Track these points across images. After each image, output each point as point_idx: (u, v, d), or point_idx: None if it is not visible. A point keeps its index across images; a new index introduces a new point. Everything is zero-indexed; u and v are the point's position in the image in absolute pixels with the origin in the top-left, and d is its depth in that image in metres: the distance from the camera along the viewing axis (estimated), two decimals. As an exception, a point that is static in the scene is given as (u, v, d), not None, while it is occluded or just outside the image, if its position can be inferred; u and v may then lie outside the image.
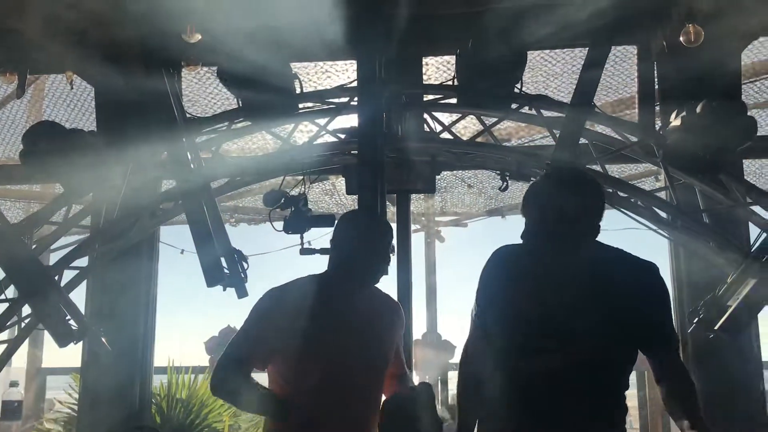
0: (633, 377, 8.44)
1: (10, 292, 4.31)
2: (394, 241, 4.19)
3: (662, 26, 4.17)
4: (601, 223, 2.32)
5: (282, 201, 3.88)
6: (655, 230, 4.13)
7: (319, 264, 4.00)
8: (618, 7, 4.00)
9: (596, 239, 2.34)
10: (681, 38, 3.99)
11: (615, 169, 6.15)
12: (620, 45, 4.88)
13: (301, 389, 2.41)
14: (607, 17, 4.00)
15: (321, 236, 4.16)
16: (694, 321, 3.81)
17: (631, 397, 10.69)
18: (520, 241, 2.35)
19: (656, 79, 4.59)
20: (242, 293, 4.00)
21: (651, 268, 2.31)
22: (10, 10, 4.02)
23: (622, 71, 5.40)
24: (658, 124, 4.46)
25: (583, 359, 2.17)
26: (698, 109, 3.59)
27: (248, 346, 2.49)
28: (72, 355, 4.62)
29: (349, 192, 4.51)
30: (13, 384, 3.98)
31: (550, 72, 5.30)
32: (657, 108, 4.68)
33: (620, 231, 7.03)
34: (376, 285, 2.71)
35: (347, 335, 2.47)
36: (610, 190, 4.11)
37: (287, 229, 3.90)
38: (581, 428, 2.18)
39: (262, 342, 2.46)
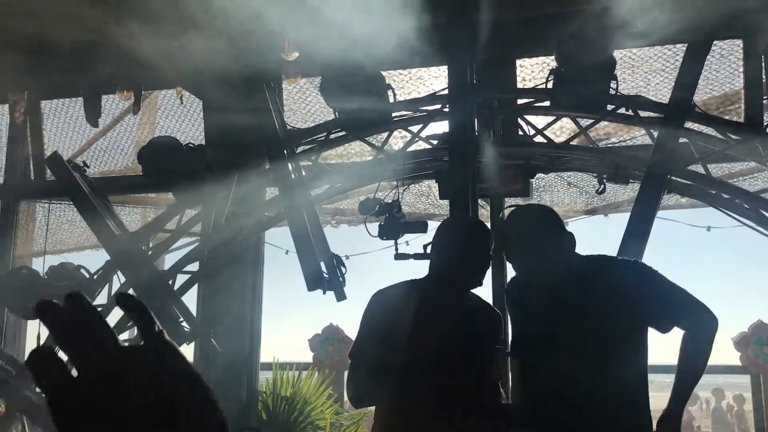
0: (747, 381, 8.06)
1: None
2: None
3: (768, 20, 3.98)
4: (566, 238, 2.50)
5: (377, 208, 4.00)
6: (761, 231, 3.97)
7: (417, 265, 4.13)
8: (721, 1, 3.87)
9: (574, 253, 2.49)
10: (788, 33, 3.80)
11: (724, 166, 5.90)
12: (724, 39, 4.69)
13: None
14: (709, 12, 3.88)
15: (416, 239, 4.29)
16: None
17: (749, 401, 10.19)
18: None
19: (764, 75, 4.38)
20: (341, 296, 4.16)
21: (629, 263, 2.50)
22: (125, 32, 4.34)
23: (727, 65, 5.18)
24: (767, 121, 4.26)
25: (592, 361, 2.26)
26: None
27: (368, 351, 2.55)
28: (184, 351, 4.92)
29: (442, 197, 4.58)
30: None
31: (651, 68, 5.15)
32: (765, 102, 4.48)
33: (732, 229, 6.77)
34: (474, 291, 2.74)
35: (437, 339, 2.52)
36: (713, 192, 3.99)
37: (382, 235, 4.00)
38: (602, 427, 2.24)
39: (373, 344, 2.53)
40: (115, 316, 4.59)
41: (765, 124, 4.10)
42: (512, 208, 2.78)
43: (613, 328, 2.29)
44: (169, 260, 5.39)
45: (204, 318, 4.73)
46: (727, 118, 5.34)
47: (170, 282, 4.44)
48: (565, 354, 2.29)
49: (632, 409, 2.32)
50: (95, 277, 4.43)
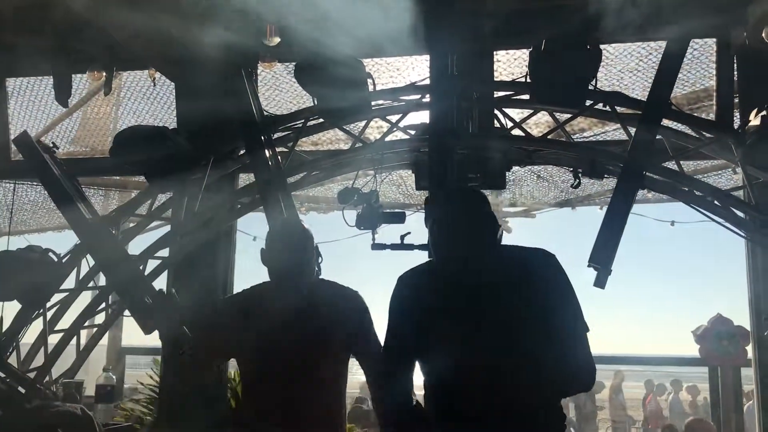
0: (701, 372, 8.26)
1: (99, 279, 4.59)
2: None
3: (743, 21, 4.05)
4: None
5: (355, 198, 3.98)
6: (731, 229, 4.05)
7: (393, 255, 4.12)
8: (697, 1, 3.94)
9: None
10: (763, 34, 3.87)
11: (690, 163, 6.01)
12: (699, 38, 4.77)
13: None
14: (686, 11, 3.94)
15: (387, 228, 4.27)
16: (770, 324, 3.74)
17: (704, 392, 10.44)
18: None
19: (736, 74, 4.46)
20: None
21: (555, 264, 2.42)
22: (97, 10, 4.21)
23: (698, 64, 5.27)
24: (737, 120, 4.35)
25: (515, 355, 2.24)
26: (779, 109, 3.51)
27: None
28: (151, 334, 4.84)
29: (418, 188, 4.58)
30: (106, 369, 4.23)
31: (625, 67, 5.22)
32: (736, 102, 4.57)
33: (695, 224, 6.93)
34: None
35: None
36: (686, 189, 4.06)
37: (359, 225, 3.99)
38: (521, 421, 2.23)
39: None
40: (82, 301, 4.51)
41: (737, 124, 4.18)
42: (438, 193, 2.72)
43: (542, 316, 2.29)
44: (139, 244, 5.29)
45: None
46: (696, 115, 5.46)
47: (140, 267, 4.35)
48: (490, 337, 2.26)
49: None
50: (64, 260, 4.32)
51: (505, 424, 2.19)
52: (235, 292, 2.93)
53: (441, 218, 2.45)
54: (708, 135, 4.11)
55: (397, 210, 4.16)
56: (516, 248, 2.50)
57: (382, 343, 2.60)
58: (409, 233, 4.03)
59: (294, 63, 4.39)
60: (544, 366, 2.25)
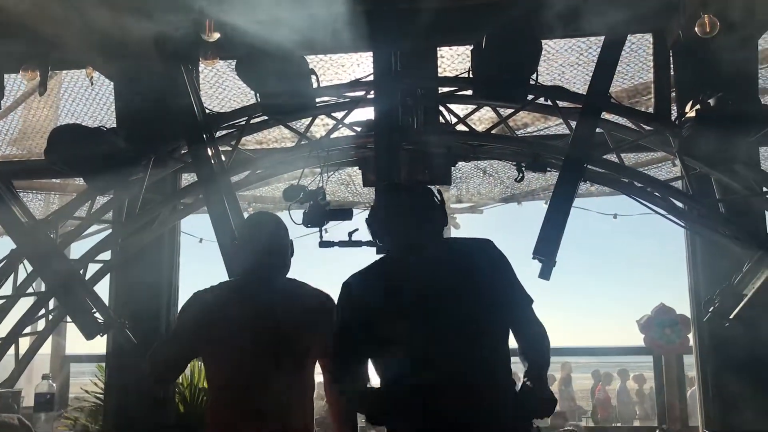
0: (647, 361, 8.39)
1: (37, 285, 4.44)
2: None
3: (677, 15, 4.15)
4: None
5: (301, 195, 3.94)
6: (671, 219, 4.15)
7: (339, 254, 4.10)
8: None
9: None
10: (696, 29, 3.97)
11: (631, 156, 6.14)
12: (636, 33, 4.87)
13: None
14: (623, 6, 4.01)
15: (335, 226, 4.24)
16: (710, 310, 3.84)
17: (649, 380, 10.66)
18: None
19: (672, 68, 4.57)
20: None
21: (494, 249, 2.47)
22: (31, 7, 4.08)
23: (638, 57, 5.38)
24: (674, 113, 4.46)
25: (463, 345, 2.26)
26: (713, 102, 3.59)
27: None
28: (95, 341, 4.72)
29: (365, 184, 4.57)
30: (45, 377, 4.09)
31: (565, 62, 5.30)
32: (673, 95, 4.68)
33: (637, 216, 7.09)
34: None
35: None
36: (626, 180, 4.14)
37: (306, 223, 3.95)
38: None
39: None
40: (20, 308, 4.35)
41: (674, 116, 4.28)
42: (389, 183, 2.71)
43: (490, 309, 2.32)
44: (78, 249, 5.15)
45: (117, 309, 4.54)
46: (636, 108, 5.58)
47: (81, 271, 4.23)
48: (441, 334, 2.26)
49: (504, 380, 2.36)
50: (-1, 267, 4.17)
51: (468, 417, 2.18)
52: (203, 289, 2.82)
53: (384, 214, 2.44)
54: (647, 127, 4.20)
55: (344, 207, 4.13)
56: (457, 240, 2.53)
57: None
58: (356, 230, 4.00)
59: (235, 60, 4.33)
60: (501, 354, 2.28)
